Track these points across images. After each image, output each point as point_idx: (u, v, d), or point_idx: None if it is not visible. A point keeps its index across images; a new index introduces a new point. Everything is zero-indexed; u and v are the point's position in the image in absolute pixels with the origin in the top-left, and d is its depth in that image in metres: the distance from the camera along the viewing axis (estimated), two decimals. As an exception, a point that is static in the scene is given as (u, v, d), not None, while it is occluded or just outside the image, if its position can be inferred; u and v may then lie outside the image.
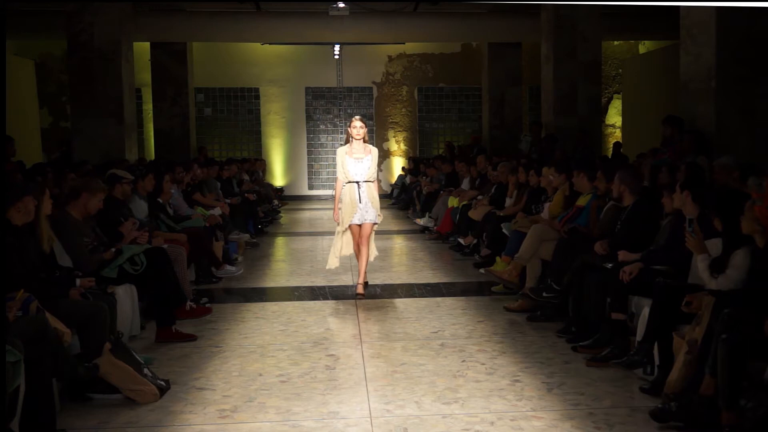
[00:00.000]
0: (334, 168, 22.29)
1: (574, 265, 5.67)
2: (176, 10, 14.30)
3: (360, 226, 7.18)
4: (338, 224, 7.29)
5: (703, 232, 4.61)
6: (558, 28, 11.88)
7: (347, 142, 7.16)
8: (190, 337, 5.72)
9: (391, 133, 18.90)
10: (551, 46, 11.99)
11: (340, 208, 7.24)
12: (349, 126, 7.17)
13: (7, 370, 3.42)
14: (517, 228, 7.34)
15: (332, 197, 18.98)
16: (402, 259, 9.83)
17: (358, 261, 7.37)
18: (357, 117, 7.20)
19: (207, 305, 6.72)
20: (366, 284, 7.29)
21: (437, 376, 4.80)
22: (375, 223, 7.23)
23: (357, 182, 7.08)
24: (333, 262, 7.41)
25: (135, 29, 12.79)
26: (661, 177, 6.64)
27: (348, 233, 7.30)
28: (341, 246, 7.34)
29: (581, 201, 6.70)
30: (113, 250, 5.70)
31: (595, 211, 6.42)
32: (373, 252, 7.47)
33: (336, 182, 7.33)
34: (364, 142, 7.16)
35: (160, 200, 7.76)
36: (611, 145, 14.83)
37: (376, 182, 7.28)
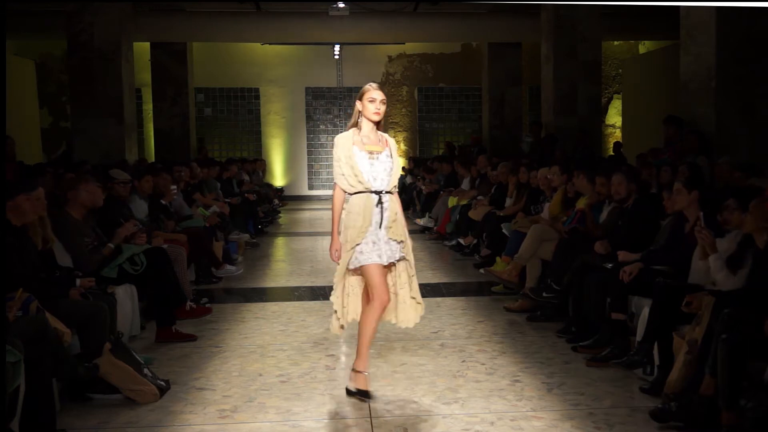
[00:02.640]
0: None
1: (574, 265, 5.66)
2: (176, 10, 14.31)
3: (387, 266, 4.34)
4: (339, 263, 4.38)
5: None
6: (558, 28, 11.88)
7: (355, 126, 4.39)
8: (190, 337, 5.72)
9: (391, 133, 18.74)
10: (551, 46, 12.00)
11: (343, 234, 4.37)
12: (361, 98, 4.34)
13: (7, 370, 3.42)
14: (517, 228, 7.33)
15: (332, 197, 19.08)
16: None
17: (361, 332, 4.33)
18: (374, 84, 4.37)
19: (207, 305, 6.71)
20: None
21: (437, 376, 4.80)
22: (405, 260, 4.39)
23: (378, 193, 4.28)
24: (335, 327, 4.47)
25: (135, 29, 12.79)
26: (663, 176, 6.65)
27: (355, 280, 4.42)
28: (345, 303, 4.42)
29: (581, 202, 6.70)
30: (111, 246, 5.70)
31: (590, 212, 6.42)
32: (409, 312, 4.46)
33: (334, 192, 4.42)
34: (378, 128, 4.43)
35: (163, 201, 7.75)
36: (611, 145, 14.84)
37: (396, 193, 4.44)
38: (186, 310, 6.28)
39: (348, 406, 4.31)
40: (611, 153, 13.69)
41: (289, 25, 14.68)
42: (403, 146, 18.91)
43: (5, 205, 4.34)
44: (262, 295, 7.52)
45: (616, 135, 17.38)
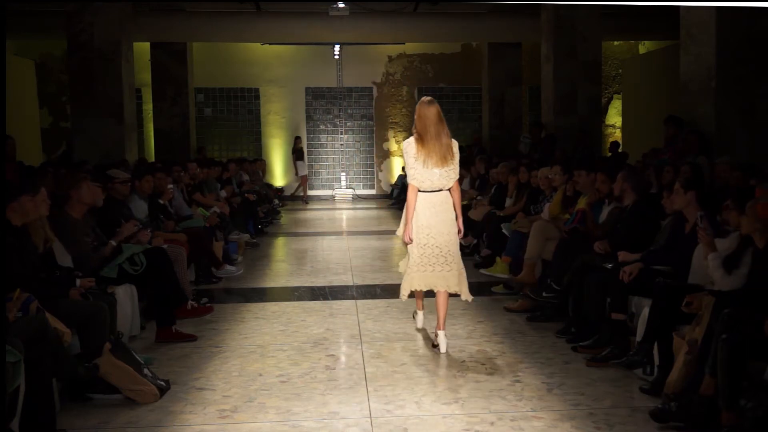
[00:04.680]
0: (334, 168, 21.96)
1: (574, 265, 5.66)
2: (176, 10, 14.31)
3: None
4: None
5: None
6: (558, 28, 11.89)
7: None
8: (190, 337, 5.72)
9: (391, 133, 18.90)
10: (551, 46, 12.00)
11: None
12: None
13: (7, 370, 3.42)
14: (517, 228, 7.34)
15: (332, 197, 19.18)
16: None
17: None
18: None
19: (207, 305, 6.72)
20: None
21: (437, 376, 4.80)
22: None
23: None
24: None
25: (135, 29, 12.78)
26: (665, 176, 6.65)
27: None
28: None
29: (581, 202, 6.69)
30: (113, 243, 5.71)
31: (591, 212, 6.41)
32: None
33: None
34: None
35: (161, 201, 7.75)
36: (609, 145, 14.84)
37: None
38: (186, 310, 6.28)
39: (348, 406, 4.32)
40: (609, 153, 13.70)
41: (289, 25, 14.68)
42: (402, 146, 18.89)
43: (5, 205, 4.35)
44: (262, 295, 7.52)
45: (616, 135, 17.38)
